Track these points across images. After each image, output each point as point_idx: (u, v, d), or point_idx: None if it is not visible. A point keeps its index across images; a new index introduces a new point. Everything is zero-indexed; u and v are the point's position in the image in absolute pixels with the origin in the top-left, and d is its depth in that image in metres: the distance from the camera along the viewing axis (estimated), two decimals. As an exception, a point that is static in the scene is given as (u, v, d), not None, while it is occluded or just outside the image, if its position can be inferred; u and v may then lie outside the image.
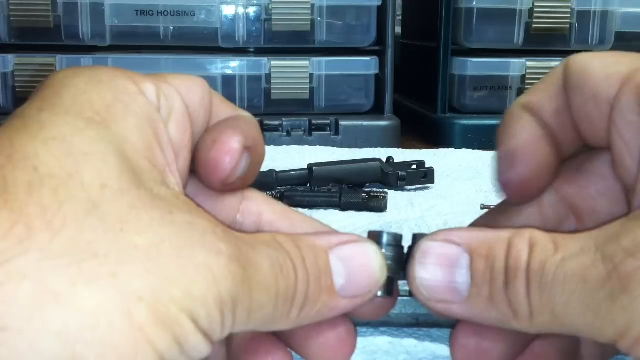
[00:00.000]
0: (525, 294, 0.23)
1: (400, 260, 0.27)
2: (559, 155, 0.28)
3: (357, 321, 0.28)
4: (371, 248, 0.25)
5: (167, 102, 0.24)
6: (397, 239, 0.27)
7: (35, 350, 0.17)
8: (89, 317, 0.18)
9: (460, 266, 0.24)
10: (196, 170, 0.26)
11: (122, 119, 0.22)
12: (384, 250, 0.26)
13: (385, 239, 0.26)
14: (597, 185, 0.27)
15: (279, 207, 0.29)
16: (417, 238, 0.27)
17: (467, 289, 0.24)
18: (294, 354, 0.28)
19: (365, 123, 1.00)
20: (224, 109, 0.27)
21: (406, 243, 0.27)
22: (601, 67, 0.25)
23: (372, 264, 0.25)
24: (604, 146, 0.26)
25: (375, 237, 0.26)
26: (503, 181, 0.27)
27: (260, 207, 0.28)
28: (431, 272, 0.25)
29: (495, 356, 0.27)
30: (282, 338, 0.27)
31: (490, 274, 0.24)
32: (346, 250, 0.25)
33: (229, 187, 0.26)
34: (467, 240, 0.25)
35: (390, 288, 0.26)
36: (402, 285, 0.28)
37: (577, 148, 0.28)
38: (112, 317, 0.18)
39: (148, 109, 0.23)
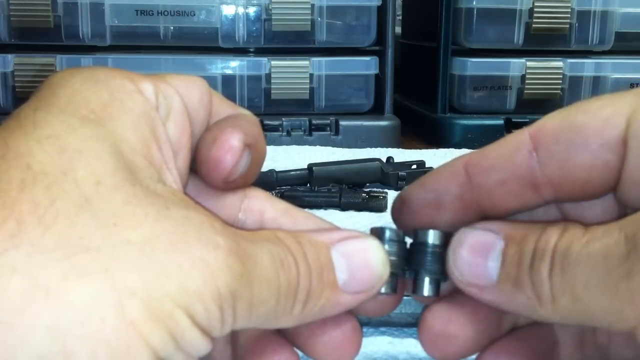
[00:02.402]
0: (548, 275, 0.23)
1: (403, 256, 0.26)
2: (478, 215, 0.27)
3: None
4: (373, 244, 0.25)
5: (166, 101, 0.24)
6: (399, 235, 0.27)
7: (25, 344, 0.17)
8: (80, 312, 0.18)
9: (494, 251, 0.25)
10: (197, 169, 0.26)
11: (118, 117, 0.22)
12: (386, 246, 0.26)
13: (387, 235, 0.26)
14: None
15: (281, 205, 0.28)
16: (418, 234, 0.27)
17: (497, 273, 0.24)
18: (300, 354, 0.28)
19: (365, 123, 1.00)
20: (224, 108, 0.27)
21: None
22: (592, 118, 0.24)
23: (375, 259, 0.25)
24: (594, 197, 0.26)
25: (377, 233, 0.26)
26: (393, 217, 0.29)
27: (262, 205, 0.28)
28: (465, 255, 0.25)
29: (461, 342, 0.27)
30: (287, 337, 0.27)
31: (518, 257, 0.24)
32: (348, 245, 0.25)
33: (231, 185, 0.26)
34: (504, 228, 0.25)
35: (394, 285, 0.26)
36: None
37: (525, 209, 0.27)
38: (103, 312, 0.18)
39: (145, 107, 0.23)
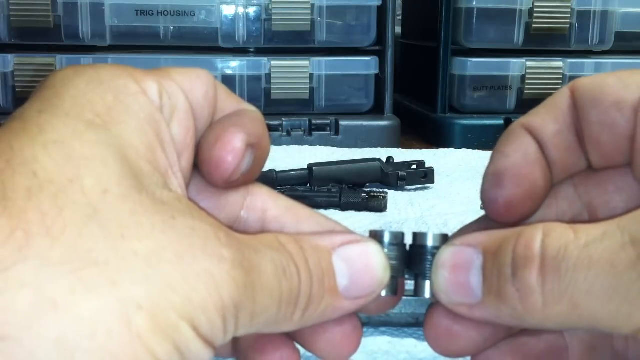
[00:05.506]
0: (539, 281, 0.22)
1: (403, 259, 0.26)
2: (551, 179, 0.27)
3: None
4: (374, 248, 0.25)
5: (170, 101, 0.24)
6: (398, 237, 0.26)
7: (34, 358, 0.17)
8: (87, 325, 0.18)
9: (474, 267, 0.24)
10: (199, 168, 0.26)
11: (123, 121, 0.22)
12: (386, 250, 0.26)
13: (387, 238, 0.26)
14: (615, 181, 0.27)
15: (285, 202, 0.28)
16: (417, 237, 0.27)
17: (480, 288, 0.24)
18: (301, 350, 0.28)
19: (365, 123, 1.00)
20: (229, 103, 0.27)
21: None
22: (617, 80, 0.25)
23: (375, 264, 0.25)
24: (616, 164, 0.26)
25: (376, 236, 0.26)
26: (487, 200, 0.27)
27: (265, 202, 0.28)
28: (447, 277, 0.25)
29: (465, 341, 0.27)
30: (289, 334, 0.27)
31: (497, 269, 0.23)
32: (349, 250, 0.25)
33: (233, 185, 0.26)
34: (481, 241, 0.24)
35: (394, 287, 0.26)
36: (407, 285, 0.28)
37: (575, 170, 0.27)
38: (110, 325, 0.18)
39: (150, 109, 0.23)
